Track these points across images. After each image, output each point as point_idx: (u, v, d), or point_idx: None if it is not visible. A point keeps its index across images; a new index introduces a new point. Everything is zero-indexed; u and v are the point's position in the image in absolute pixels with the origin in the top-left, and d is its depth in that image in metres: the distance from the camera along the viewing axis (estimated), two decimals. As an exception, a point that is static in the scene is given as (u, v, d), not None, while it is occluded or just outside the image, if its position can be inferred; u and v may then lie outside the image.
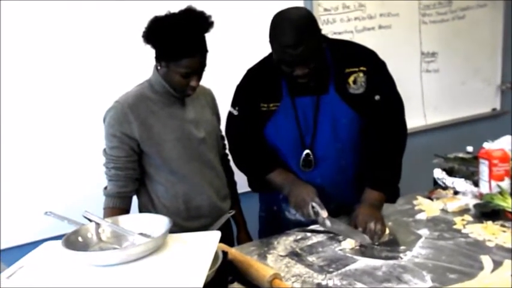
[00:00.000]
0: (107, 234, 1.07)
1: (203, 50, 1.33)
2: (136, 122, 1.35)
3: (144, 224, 1.08)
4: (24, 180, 1.86)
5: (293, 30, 1.26)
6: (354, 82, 1.41)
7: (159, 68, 1.38)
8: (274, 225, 1.57)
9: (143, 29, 1.32)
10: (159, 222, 1.05)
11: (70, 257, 0.96)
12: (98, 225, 1.07)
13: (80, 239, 1.03)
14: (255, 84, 1.48)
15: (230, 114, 1.54)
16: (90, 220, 1.08)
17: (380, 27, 2.65)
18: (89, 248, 1.03)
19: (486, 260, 1.15)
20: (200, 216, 1.45)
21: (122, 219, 1.11)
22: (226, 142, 1.66)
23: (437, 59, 2.87)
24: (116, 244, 1.05)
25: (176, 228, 1.36)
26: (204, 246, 1.00)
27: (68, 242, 0.97)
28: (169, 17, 1.31)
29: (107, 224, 1.07)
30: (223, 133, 1.62)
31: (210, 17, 1.33)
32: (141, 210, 1.48)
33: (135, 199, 1.48)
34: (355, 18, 2.57)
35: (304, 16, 1.31)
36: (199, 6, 1.35)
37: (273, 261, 1.26)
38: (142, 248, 0.96)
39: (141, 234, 1.04)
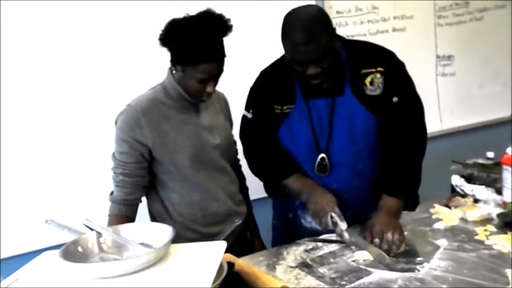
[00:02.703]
0: (108, 243, 1.03)
1: (221, 55, 1.29)
2: (148, 127, 1.31)
3: (147, 234, 1.04)
4: (25, 186, 1.83)
5: (304, 28, 1.23)
6: (371, 83, 1.36)
7: (174, 72, 1.33)
8: (288, 233, 1.52)
9: (159, 32, 1.27)
10: (162, 232, 1.01)
11: (69, 269, 0.92)
12: (99, 234, 1.03)
13: (79, 249, 0.99)
14: (268, 86, 1.45)
15: (244, 117, 1.51)
16: (91, 229, 1.04)
17: (394, 30, 2.59)
18: (89, 258, 0.99)
19: (512, 275, 1.08)
20: (218, 222, 1.42)
21: (124, 228, 1.07)
22: (237, 147, 1.62)
23: (453, 62, 2.79)
24: (117, 254, 1.01)
25: (196, 234, 1.37)
26: (208, 257, 0.96)
27: (66, 252, 0.93)
28: (188, 20, 1.25)
29: (108, 233, 1.03)
30: (235, 137, 1.58)
31: (229, 20, 1.29)
32: (154, 219, 1.44)
33: (142, 208, 1.44)
34: (368, 21, 2.52)
35: (315, 14, 1.28)
36: (208, 6, 1.30)
37: (282, 272, 1.21)
38: (144, 259, 0.91)
39: (142, 244, 1.00)
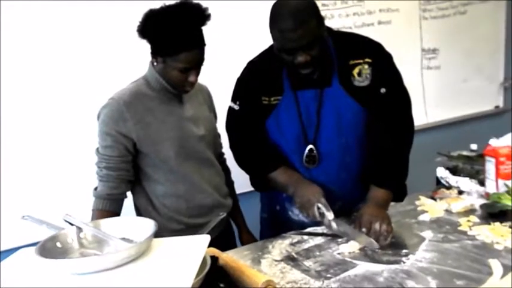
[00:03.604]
0: (89, 239, 1.00)
1: (201, 44, 1.28)
2: (132, 120, 1.30)
3: (128, 228, 1.01)
4: (10, 182, 1.79)
5: (292, 14, 1.22)
6: (359, 74, 1.35)
7: (155, 63, 1.32)
8: (277, 226, 1.51)
9: (138, 23, 1.27)
10: (144, 226, 0.98)
11: (46, 265, 0.89)
12: (79, 229, 1.01)
13: (58, 244, 0.96)
14: (256, 78, 1.43)
15: (231, 109, 1.48)
16: (71, 224, 1.01)
17: (379, 23, 2.59)
18: (68, 254, 0.96)
19: (495, 265, 1.08)
20: (203, 214, 1.40)
21: (105, 222, 1.04)
22: (221, 141, 1.60)
23: (438, 56, 2.81)
24: (97, 250, 0.99)
25: (181, 225, 1.37)
26: (191, 251, 0.94)
27: (43, 249, 0.90)
28: (165, 10, 1.25)
29: (88, 228, 1.00)
30: (219, 131, 1.56)
31: (206, 9, 1.29)
32: (139, 212, 1.42)
33: (127, 203, 1.41)
34: (354, 14, 2.51)
35: (302, 1, 1.26)
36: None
37: (267, 266, 1.19)
38: (124, 254, 0.89)
39: (123, 239, 0.97)
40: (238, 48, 2.02)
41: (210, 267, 0.99)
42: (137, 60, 1.48)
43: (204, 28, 1.30)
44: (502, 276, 1.03)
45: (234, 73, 1.49)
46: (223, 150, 1.61)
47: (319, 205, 1.31)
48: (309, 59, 1.27)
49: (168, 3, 1.26)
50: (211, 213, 1.41)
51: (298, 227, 1.43)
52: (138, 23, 1.27)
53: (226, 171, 1.61)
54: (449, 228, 1.33)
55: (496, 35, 2.98)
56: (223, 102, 1.52)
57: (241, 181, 1.62)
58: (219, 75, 1.73)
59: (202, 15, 1.28)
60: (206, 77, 1.45)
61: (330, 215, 1.30)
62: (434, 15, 2.75)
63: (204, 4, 1.30)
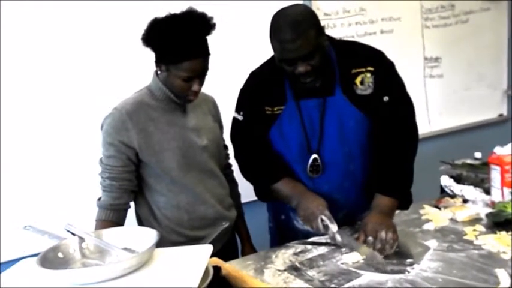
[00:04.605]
0: (91, 249, 1.00)
1: (205, 53, 1.28)
2: (134, 129, 1.30)
3: (131, 238, 1.00)
4: (12, 192, 1.78)
5: (290, 25, 1.23)
6: (361, 83, 1.35)
7: (159, 72, 1.33)
8: (283, 235, 1.51)
9: (143, 32, 1.27)
10: (146, 236, 0.98)
11: (47, 276, 0.88)
12: (81, 239, 1.00)
13: (60, 255, 0.95)
14: (259, 88, 1.44)
15: (235, 120, 1.49)
16: (73, 234, 1.01)
17: (382, 32, 2.60)
18: (70, 264, 0.95)
19: (502, 274, 1.07)
20: (205, 226, 1.40)
21: (107, 232, 1.04)
22: (229, 152, 1.60)
23: (441, 64, 2.81)
24: (99, 260, 0.98)
25: (182, 238, 1.36)
26: (193, 261, 0.93)
27: (44, 259, 0.89)
28: (170, 19, 1.26)
29: (90, 238, 1.00)
30: (226, 142, 1.56)
31: (212, 18, 1.29)
32: (141, 223, 1.42)
33: (131, 213, 1.41)
34: (356, 23, 2.52)
35: (301, 11, 1.28)
36: (199, 8, 1.30)
37: (270, 276, 1.18)
38: (126, 264, 0.88)
39: (125, 249, 0.97)
40: (246, 58, 2.02)
41: (212, 278, 0.98)
42: (142, 69, 1.48)
43: (212, 38, 1.29)
44: (510, 287, 1.02)
45: (241, 82, 1.49)
46: (231, 161, 1.60)
47: (323, 217, 1.30)
48: (309, 68, 1.27)
49: (173, 11, 1.27)
50: (213, 225, 1.40)
51: (304, 236, 1.42)
52: (143, 31, 1.28)
53: (233, 183, 1.59)
54: (454, 238, 1.31)
55: (499, 43, 2.99)
56: (231, 112, 1.51)
57: (247, 190, 1.60)
58: (227, 85, 1.73)
59: (208, 24, 1.28)
60: (214, 87, 1.45)
61: (333, 228, 1.29)
62: (436, 24, 2.76)
63: (210, 12, 1.30)
